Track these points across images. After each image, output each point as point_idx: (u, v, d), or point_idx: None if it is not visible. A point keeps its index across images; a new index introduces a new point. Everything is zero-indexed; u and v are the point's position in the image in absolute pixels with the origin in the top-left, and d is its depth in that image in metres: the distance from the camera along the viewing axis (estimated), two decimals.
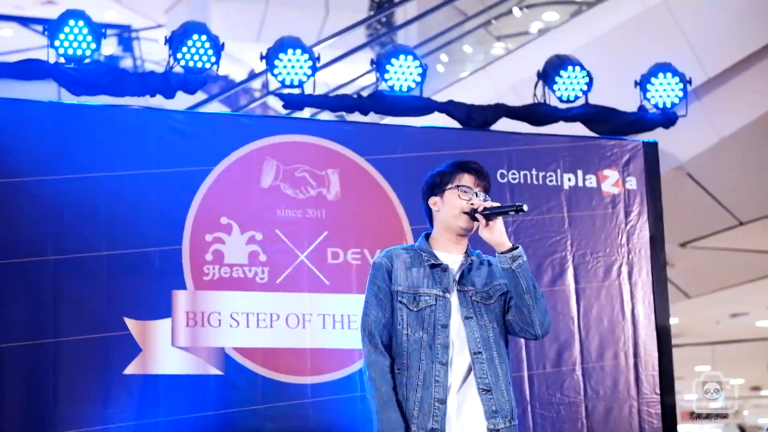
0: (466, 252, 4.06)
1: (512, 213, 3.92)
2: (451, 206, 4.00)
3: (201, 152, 5.74)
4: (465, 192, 4.00)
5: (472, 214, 3.95)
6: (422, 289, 3.96)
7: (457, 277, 4.00)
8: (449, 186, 4.03)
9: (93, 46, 5.61)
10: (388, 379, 3.89)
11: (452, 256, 4.03)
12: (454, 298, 3.97)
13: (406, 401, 3.87)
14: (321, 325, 5.70)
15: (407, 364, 3.91)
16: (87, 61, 5.63)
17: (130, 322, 5.45)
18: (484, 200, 4.00)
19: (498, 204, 3.95)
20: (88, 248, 5.46)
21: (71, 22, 5.57)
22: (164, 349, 5.49)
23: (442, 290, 3.96)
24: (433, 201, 4.07)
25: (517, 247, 3.92)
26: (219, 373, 5.55)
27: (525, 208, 3.88)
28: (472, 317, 3.96)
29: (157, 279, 5.55)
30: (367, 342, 3.95)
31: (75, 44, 5.58)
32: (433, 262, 3.99)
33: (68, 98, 5.79)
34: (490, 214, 3.92)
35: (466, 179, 4.03)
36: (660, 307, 6.37)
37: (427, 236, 4.11)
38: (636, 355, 6.26)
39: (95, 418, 5.34)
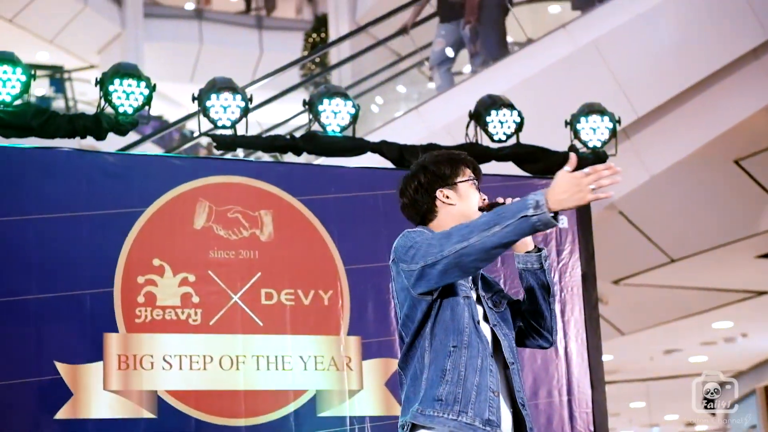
0: None
1: None
2: (470, 200, 3.57)
3: (133, 194, 5.70)
4: (477, 187, 3.62)
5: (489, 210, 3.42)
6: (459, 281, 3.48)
7: (477, 280, 3.57)
8: (460, 178, 3.60)
9: (23, 88, 5.56)
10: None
11: None
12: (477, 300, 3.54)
13: (465, 381, 3.34)
14: (255, 367, 5.66)
15: (468, 342, 3.38)
16: (17, 102, 5.58)
17: (61, 366, 5.38)
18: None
19: (518, 199, 3.36)
20: (18, 291, 5.38)
21: (0, 64, 5.52)
22: (96, 393, 5.41)
23: (468, 288, 3.50)
24: (445, 193, 3.57)
25: (543, 248, 3.59)
26: (152, 416, 5.48)
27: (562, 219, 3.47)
28: (498, 324, 3.51)
29: (89, 322, 5.48)
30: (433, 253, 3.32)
31: (4, 87, 5.53)
32: None
33: None
34: None
35: (469, 174, 3.62)
36: (593, 345, 6.40)
37: None
38: (570, 392, 6.28)
39: None
